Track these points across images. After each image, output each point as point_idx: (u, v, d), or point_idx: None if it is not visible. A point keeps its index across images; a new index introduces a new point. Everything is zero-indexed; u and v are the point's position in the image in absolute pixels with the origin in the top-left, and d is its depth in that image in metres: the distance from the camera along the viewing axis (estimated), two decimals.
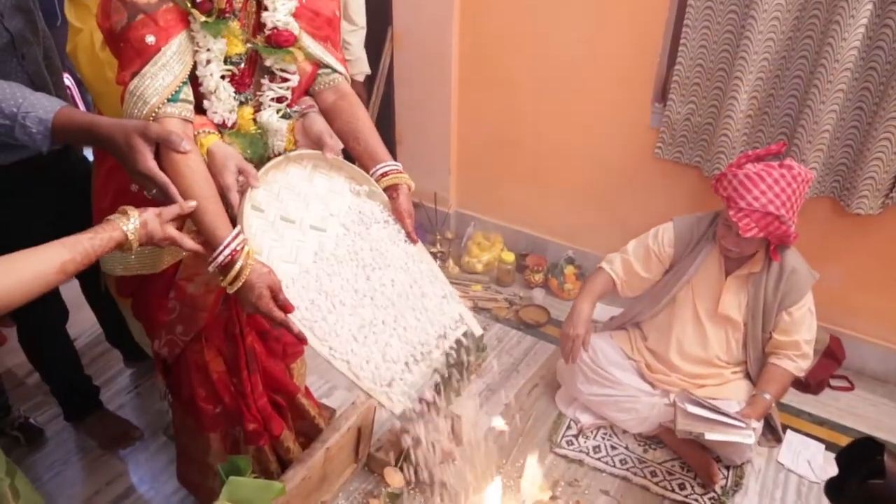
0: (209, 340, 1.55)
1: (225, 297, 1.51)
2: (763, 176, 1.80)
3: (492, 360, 2.49)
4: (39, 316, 1.89)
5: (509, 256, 2.91)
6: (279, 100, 1.36)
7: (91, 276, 1.86)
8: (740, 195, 1.81)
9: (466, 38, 2.76)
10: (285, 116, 1.37)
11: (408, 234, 1.41)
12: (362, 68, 2.59)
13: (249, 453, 1.67)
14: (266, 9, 1.28)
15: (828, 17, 1.98)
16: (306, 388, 1.90)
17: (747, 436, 1.84)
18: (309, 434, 1.82)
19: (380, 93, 3.01)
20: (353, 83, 1.70)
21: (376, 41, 2.85)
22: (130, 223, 1.06)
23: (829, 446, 2.14)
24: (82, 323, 2.37)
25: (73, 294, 2.03)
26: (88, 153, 1.98)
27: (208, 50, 1.23)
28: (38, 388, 2.25)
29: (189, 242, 1.16)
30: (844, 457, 1.46)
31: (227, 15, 1.24)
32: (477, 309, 2.78)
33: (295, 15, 1.31)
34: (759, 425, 1.94)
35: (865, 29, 1.93)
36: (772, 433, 2.12)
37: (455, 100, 2.90)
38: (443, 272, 1.43)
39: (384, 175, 1.41)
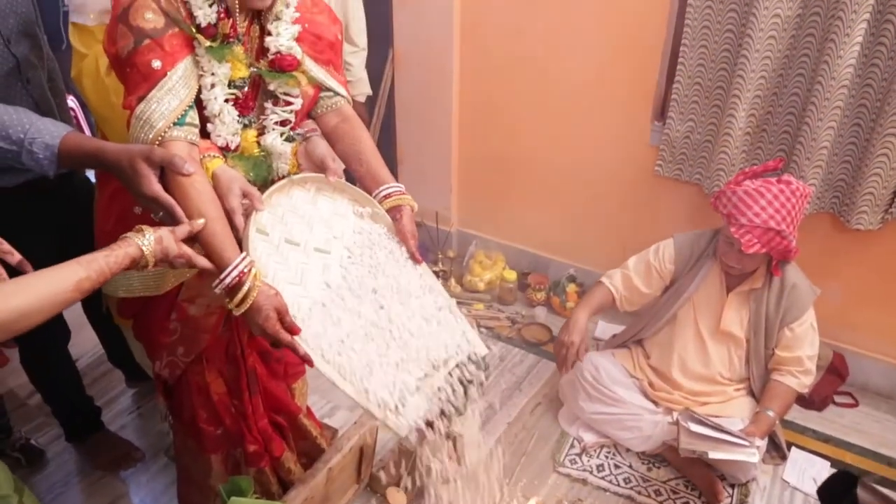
0: (210, 362, 1.55)
1: (226, 318, 1.51)
2: (762, 192, 1.82)
3: (493, 378, 2.48)
4: (41, 336, 1.87)
5: (511, 275, 2.91)
6: (282, 123, 1.37)
7: (93, 297, 1.86)
8: (741, 212, 1.82)
9: (466, 58, 2.78)
10: (289, 139, 1.38)
11: (411, 255, 1.41)
12: (363, 89, 2.62)
13: (250, 475, 1.66)
14: (269, 34, 1.30)
15: (824, 36, 2.00)
16: (308, 409, 1.90)
17: (751, 454, 1.83)
18: (311, 454, 1.81)
19: (381, 113, 3.04)
20: (355, 104, 1.72)
21: (377, 62, 2.88)
22: (146, 239, 1.07)
23: (835, 463, 2.13)
24: (84, 343, 2.36)
25: (75, 314, 2.02)
26: (91, 174, 2.00)
27: (213, 74, 1.24)
28: (40, 409, 2.24)
29: (202, 260, 1.15)
30: (825, 491, 1.46)
31: (231, 40, 1.26)
32: (479, 328, 2.78)
33: (298, 39, 1.33)
34: (763, 443, 1.93)
35: (861, 47, 1.95)
36: (776, 450, 2.11)
37: (456, 119, 2.92)
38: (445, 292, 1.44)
39: (387, 197, 1.41)
